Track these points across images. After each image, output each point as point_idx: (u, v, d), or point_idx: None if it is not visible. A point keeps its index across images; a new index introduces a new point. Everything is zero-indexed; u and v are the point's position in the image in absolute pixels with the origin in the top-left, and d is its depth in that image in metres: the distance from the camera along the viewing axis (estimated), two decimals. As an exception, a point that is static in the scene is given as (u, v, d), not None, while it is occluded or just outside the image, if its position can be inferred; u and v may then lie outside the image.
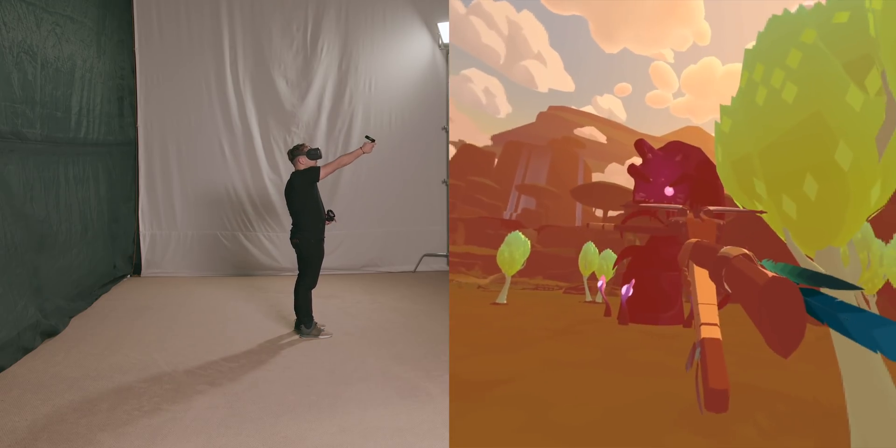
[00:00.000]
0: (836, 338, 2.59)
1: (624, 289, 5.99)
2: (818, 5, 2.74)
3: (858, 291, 5.27)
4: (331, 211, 5.36)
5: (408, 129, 8.32)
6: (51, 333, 5.02)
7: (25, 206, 4.92)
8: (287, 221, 6.07)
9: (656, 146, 6.06)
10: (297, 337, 5.25)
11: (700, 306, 2.63)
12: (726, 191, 3.45)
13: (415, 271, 8.40)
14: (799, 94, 2.70)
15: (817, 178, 2.65)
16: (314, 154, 5.19)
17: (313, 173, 5.10)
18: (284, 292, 6.46)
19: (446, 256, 8.61)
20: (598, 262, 9.50)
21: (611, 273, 8.64)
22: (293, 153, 5.21)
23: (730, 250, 1.96)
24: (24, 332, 4.58)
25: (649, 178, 5.78)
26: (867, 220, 2.78)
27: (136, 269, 7.78)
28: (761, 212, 3.06)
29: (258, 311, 6.12)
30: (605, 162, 18.08)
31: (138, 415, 3.61)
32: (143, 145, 7.76)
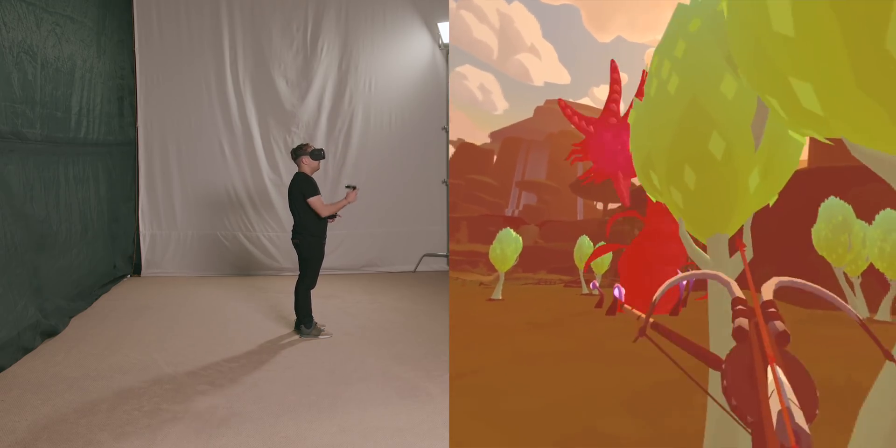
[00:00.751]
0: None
1: (616, 291, 5.96)
2: None
3: (842, 274, 5.21)
4: (350, 186, 5.34)
5: (408, 129, 8.33)
6: (51, 333, 5.02)
7: (25, 206, 4.92)
8: (287, 221, 6.08)
9: None
10: (297, 337, 5.25)
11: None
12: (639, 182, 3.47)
13: (415, 271, 8.40)
14: (680, 85, 2.71)
15: (694, 169, 2.68)
16: (318, 154, 5.18)
17: (309, 189, 5.04)
18: (284, 292, 6.46)
19: (446, 256, 8.61)
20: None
21: (605, 266, 8.69)
22: (296, 153, 5.19)
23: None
24: (24, 332, 4.58)
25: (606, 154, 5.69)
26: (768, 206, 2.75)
27: (136, 269, 7.78)
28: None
29: (258, 311, 6.12)
30: (604, 154, 18.04)
31: (138, 415, 3.61)
32: (143, 145, 7.76)
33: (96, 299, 6.33)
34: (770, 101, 1.91)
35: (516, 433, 3.33)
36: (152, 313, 5.99)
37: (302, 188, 5.05)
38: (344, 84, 8.10)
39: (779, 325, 1.61)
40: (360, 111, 8.17)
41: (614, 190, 5.99)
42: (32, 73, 5.04)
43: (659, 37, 2.98)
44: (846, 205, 5.20)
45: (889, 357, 1.72)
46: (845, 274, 5.31)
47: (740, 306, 1.71)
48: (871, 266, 5.10)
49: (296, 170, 5.23)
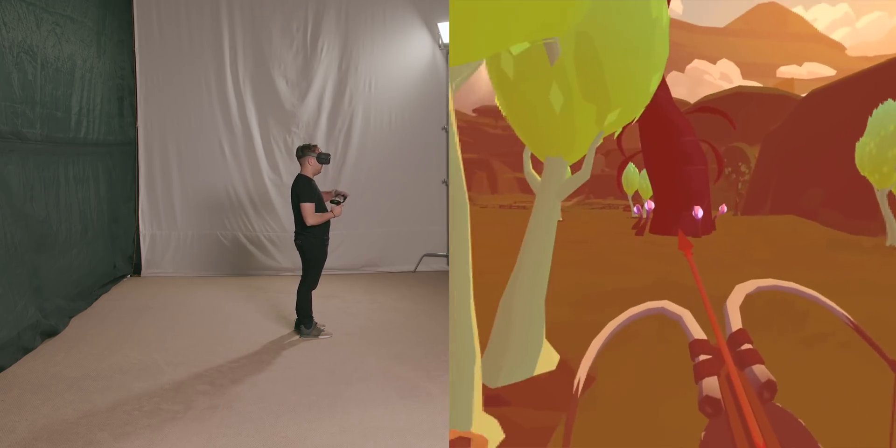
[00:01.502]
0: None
1: (647, 205, 6.38)
2: None
3: (885, 197, 4.67)
4: (339, 195, 5.26)
5: (408, 129, 8.32)
6: (51, 333, 5.02)
7: (25, 206, 4.92)
8: (287, 221, 6.07)
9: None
10: (297, 337, 5.25)
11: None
12: None
13: (415, 271, 8.40)
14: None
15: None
16: (324, 159, 5.14)
17: (305, 194, 4.99)
18: (284, 292, 6.46)
19: (446, 256, 8.61)
20: (638, 180, 11.01)
21: (650, 192, 9.09)
22: (302, 151, 5.11)
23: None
24: (24, 332, 4.58)
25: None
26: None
27: (136, 269, 7.77)
28: None
29: (258, 311, 6.12)
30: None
31: (138, 415, 3.61)
32: (143, 145, 7.75)
33: (96, 299, 6.33)
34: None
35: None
36: (152, 313, 5.99)
37: (299, 191, 5.04)
38: (344, 84, 8.10)
39: (759, 371, 1.16)
40: (360, 111, 8.17)
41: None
42: (32, 73, 5.04)
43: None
44: None
45: (888, 361, 1.45)
46: (891, 194, 4.46)
47: (702, 355, 1.23)
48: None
49: (296, 170, 5.21)
